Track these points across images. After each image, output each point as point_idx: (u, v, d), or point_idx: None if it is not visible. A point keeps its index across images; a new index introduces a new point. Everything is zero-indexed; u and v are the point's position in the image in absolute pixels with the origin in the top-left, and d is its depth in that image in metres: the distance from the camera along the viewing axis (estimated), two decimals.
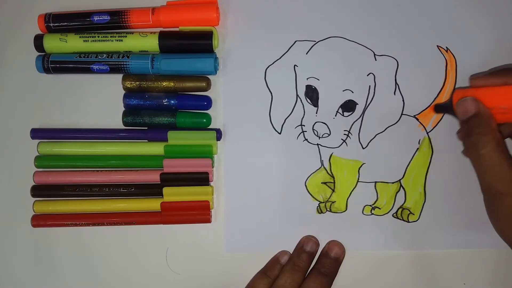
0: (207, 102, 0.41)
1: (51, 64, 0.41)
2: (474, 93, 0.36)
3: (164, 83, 0.41)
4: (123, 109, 0.41)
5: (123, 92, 0.41)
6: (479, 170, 0.35)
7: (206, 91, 0.41)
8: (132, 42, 0.41)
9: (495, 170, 0.34)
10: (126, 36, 0.41)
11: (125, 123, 0.41)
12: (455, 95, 0.37)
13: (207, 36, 0.40)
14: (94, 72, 0.41)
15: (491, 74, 0.37)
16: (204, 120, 0.41)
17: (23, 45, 0.42)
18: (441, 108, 0.40)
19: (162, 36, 0.41)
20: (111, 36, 0.41)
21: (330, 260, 0.40)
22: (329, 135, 0.41)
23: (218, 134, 0.41)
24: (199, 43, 0.41)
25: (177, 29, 0.41)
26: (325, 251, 0.41)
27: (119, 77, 0.41)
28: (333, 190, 0.42)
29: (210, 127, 0.42)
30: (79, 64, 0.41)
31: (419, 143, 0.41)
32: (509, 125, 0.38)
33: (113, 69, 0.41)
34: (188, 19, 0.41)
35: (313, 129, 0.41)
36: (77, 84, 0.42)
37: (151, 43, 0.41)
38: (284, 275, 0.39)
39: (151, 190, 0.41)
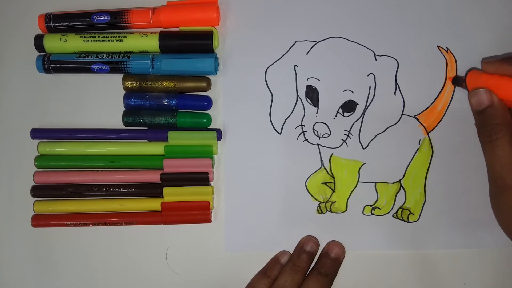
0: (207, 102, 0.41)
1: (52, 64, 0.41)
2: (486, 81, 0.36)
3: (164, 83, 0.41)
4: (123, 109, 0.41)
5: (123, 92, 0.41)
6: (490, 160, 0.35)
7: (206, 91, 0.41)
8: (133, 42, 0.41)
9: (506, 162, 0.34)
10: (126, 36, 0.41)
11: (125, 123, 0.41)
12: (469, 76, 0.38)
13: (207, 36, 0.40)
14: (94, 72, 0.41)
15: (504, 60, 0.36)
16: (204, 120, 0.41)
17: (23, 45, 0.42)
18: (458, 81, 0.40)
19: (163, 36, 0.41)
20: (111, 36, 0.41)
21: (330, 260, 0.40)
22: (329, 135, 0.41)
23: (218, 134, 0.41)
24: (199, 43, 0.41)
25: (177, 29, 0.41)
26: (325, 251, 0.41)
27: (119, 77, 0.41)
28: (333, 190, 0.42)
29: (210, 127, 0.42)
30: (79, 64, 0.41)
31: (419, 143, 0.41)
32: None
33: (114, 69, 0.41)
34: (188, 19, 0.41)
35: (313, 129, 0.41)
36: (77, 84, 0.42)
37: (152, 43, 0.41)
38: (284, 275, 0.39)
39: (151, 190, 0.41)
